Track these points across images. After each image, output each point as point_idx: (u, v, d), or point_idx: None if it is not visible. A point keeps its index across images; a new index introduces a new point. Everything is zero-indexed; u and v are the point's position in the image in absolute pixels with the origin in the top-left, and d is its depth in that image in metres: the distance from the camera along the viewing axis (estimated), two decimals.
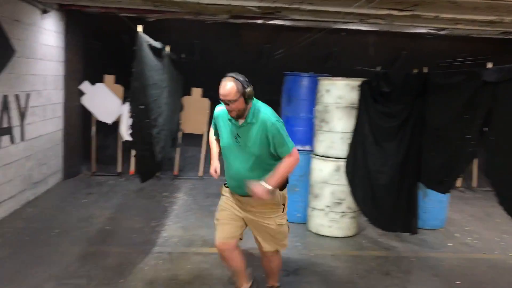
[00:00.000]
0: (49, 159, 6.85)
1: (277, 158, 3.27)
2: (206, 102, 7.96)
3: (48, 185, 6.85)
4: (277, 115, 3.29)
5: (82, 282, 3.96)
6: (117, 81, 7.76)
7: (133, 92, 4.47)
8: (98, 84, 7.62)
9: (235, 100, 3.12)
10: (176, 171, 8.06)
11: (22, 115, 5.90)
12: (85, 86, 7.59)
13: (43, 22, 6.42)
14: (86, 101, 7.62)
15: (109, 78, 7.77)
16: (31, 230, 5.14)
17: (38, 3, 6.14)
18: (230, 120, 3.29)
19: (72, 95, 7.50)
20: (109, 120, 7.67)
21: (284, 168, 3.24)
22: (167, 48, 6.32)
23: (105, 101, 7.61)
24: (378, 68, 6.76)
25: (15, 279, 3.92)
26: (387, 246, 5.27)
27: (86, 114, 7.78)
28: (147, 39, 4.81)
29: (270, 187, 3.14)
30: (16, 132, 5.75)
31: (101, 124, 7.81)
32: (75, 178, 7.59)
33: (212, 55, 8.71)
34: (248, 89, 3.15)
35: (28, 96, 6.04)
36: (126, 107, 7.49)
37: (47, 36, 6.59)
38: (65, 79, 7.33)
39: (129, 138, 7.49)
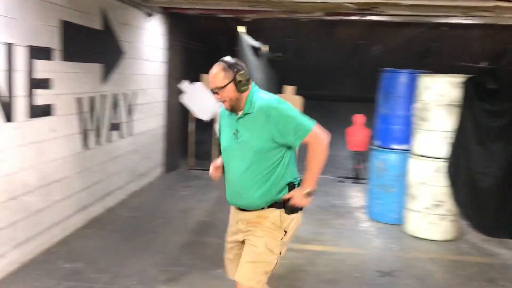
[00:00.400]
0: (152, 153, 7.32)
1: (280, 161, 2.63)
2: (299, 99, 8.01)
3: (151, 177, 7.32)
4: (280, 99, 2.67)
5: (182, 269, 4.19)
6: None
7: None
8: (196, 83, 7.99)
9: (222, 87, 2.58)
10: None
11: (130, 112, 6.36)
12: (184, 85, 7.99)
13: (148, 25, 6.86)
14: (185, 99, 8.02)
15: (206, 77, 8.09)
16: (137, 219, 5.54)
17: (144, 7, 6.56)
18: (230, 115, 2.73)
19: (173, 94, 7.94)
20: (205, 117, 8.01)
21: (314, 158, 2.59)
22: (264, 47, 6.45)
23: (202, 99, 7.95)
24: (483, 64, 6.35)
25: (124, 263, 4.25)
26: (490, 253, 4.96)
27: (184, 112, 8.19)
28: (247, 39, 4.95)
29: (307, 190, 2.60)
30: (124, 127, 6.22)
31: (198, 121, 8.18)
32: (175, 172, 8.04)
33: (306, 53, 8.74)
34: (240, 74, 2.57)
35: (135, 94, 6.50)
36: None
37: (152, 38, 7.03)
38: (167, 78, 7.78)
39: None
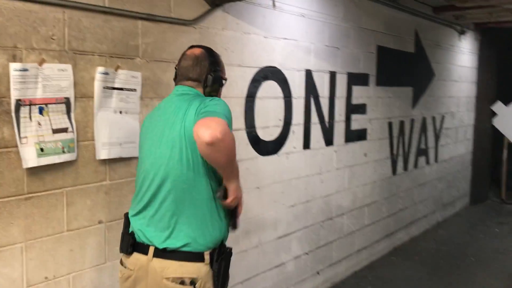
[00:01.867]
0: (458, 182, 6.73)
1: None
2: None
3: (455, 208, 6.73)
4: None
5: None
6: None
7: None
8: None
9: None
10: None
11: (437, 137, 5.99)
12: (498, 106, 7.09)
13: (460, 44, 6.37)
14: (498, 122, 7.11)
15: None
16: (444, 253, 5.08)
17: (457, 25, 6.12)
18: None
19: (482, 116, 7.15)
20: None
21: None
22: None
23: None
24: None
25: None
26: None
27: (496, 137, 7.26)
28: None
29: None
30: (431, 153, 5.88)
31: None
32: (483, 204, 7.18)
33: None
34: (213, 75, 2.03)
35: (442, 118, 6.09)
36: None
37: (463, 57, 6.51)
38: (476, 100, 7.07)
39: None
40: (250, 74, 3.18)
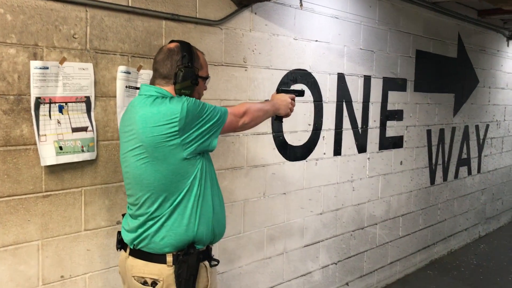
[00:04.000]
0: (502, 194, 6.37)
1: None
2: None
3: (499, 222, 6.37)
4: None
5: None
6: None
7: None
8: None
9: None
10: None
11: (480, 147, 5.70)
12: None
13: (508, 49, 6.06)
14: None
15: None
16: (484, 270, 4.80)
17: (506, 30, 5.82)
18: None
19: None
20: None
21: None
22: None
23: None
24: None
25: None
26: None
27: None
28: None
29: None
30: (474, 163, 5.60)
31: None
32: None
33: None
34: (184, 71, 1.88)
35: (487, 126, 5.80)
36: None
37: (510, 64, 6.18)
38: None
39: None
40: (278, 76, 3.10)
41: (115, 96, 2.27)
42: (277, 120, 2.34)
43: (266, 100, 2.25)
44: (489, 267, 4.87)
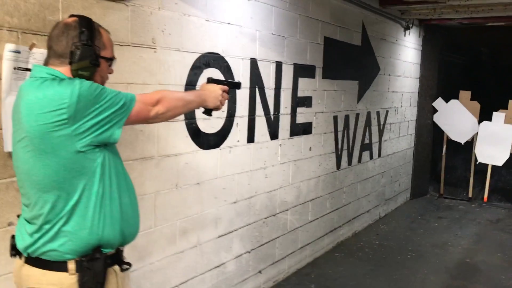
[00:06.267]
0: (399, 177, 6.79)
1: None
2: None
3: (397, 203, 6.79)
4: None
5: None
6: (473, 98, 7.10)
7: None
8: (452, 101, 7.13)
9: None
10: None
11: (381, 132, 5.98)
12: (439, 103, 7.22)
13: (405, 39, 6.39)
14: (438, 118, 7.24)
15: (465, 94, 7.16)
16: (386, 249, 5.07)
17: (403, 20, 6.13)
18: None
19: (424, 112, 7.25)
20: (462, 139, 7.06)
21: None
22: None
23: (459, 119, 7.05)
24: None
25: None
26: None
27: (436, 132, 7.41)
28: None
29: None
30: (375, 148, 5.86)
31: (451, 144, 7.29)
32: (422, 199, 7.30)
33: None
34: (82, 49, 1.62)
35: (386, 113, 6.09)
36: (484, 126, 6.77)
37: (407, 53, 6.54)
38: (419, 96, 7.15)
39: (485, 161, 6.74)
40: (190, 60, 2.92)
41: (0, 79, 1.95)
42: (205, 113, 2.12)
43: (192, 90, 2.06)
44: (390, 246, 5.15)
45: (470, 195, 7.11)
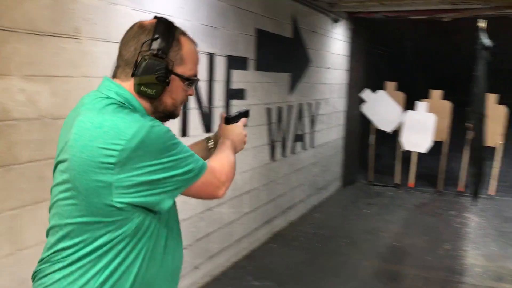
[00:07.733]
0: (331, 166, 6.97)
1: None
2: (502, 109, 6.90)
3: (329, 191, 6.97)
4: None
5: None
6: (398, 88, 7.43)
7: (474, 99, 4.03)
8: (379, 92, 7.42)
9: None
10: (461, 187, 7.22)
11: (312, 123, 6.09)
12: (366, 93, 7.48)
13: (333, 32, 6.54)
14: (366, 109, 7.50)
15: (390, 85, 7.49)
16: (321, 237, 5.19)
17: (332, 13, 6.25)
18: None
19: (353, 103, 7.49)
20: (388, 128, 7.37)
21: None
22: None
23: (385, 109, 7.35)
24: None
25: None
26: None
27: (365, 122, 7.68)
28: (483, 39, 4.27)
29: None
30: (307, 139, 5.96)
31: (379, 133, 7.59)
32: (353, 186, 7.56)
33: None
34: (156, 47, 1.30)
35: (317, 104, 6.21)
36: (408, 115, 7.09)
37: (336, 45, 6.70)
38: (348, 87, 7.37)
39: (410, 148, 7.08)
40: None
41: None
42: None
43: (220, 142, 1.67)
44: (324, 235, 5.27)
45: (397, 181, 7.45)
